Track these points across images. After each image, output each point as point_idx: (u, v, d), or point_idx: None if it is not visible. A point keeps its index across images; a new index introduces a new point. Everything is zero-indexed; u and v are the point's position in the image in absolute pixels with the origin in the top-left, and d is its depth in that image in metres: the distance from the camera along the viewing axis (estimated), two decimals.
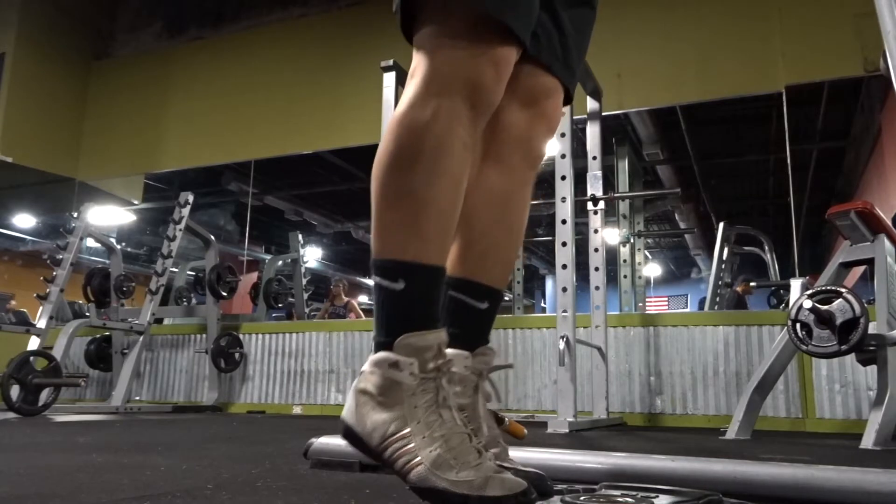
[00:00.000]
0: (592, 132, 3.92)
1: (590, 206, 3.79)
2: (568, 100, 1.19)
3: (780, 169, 4.68)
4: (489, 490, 0.85)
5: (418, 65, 0.98)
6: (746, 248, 6.40)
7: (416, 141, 0.94)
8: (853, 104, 5.99)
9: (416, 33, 1.00)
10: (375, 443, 0.92)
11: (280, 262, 6.41)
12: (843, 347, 2.47)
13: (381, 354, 0.92)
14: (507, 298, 9.80)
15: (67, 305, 6.66)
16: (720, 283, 5.81)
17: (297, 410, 4.90)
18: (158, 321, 5.22)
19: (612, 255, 5.56)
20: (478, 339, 1.10)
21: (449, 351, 1.01)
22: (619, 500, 0.93)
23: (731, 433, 2.83)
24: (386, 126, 1.01)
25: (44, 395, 3.80)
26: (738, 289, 6.15)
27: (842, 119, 6.30)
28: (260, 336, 5.19)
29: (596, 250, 3.80)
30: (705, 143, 6.74)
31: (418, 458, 0.88)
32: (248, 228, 6.81)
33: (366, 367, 0.94)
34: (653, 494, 0.96)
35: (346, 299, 7.55)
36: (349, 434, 0.95)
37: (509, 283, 7.85)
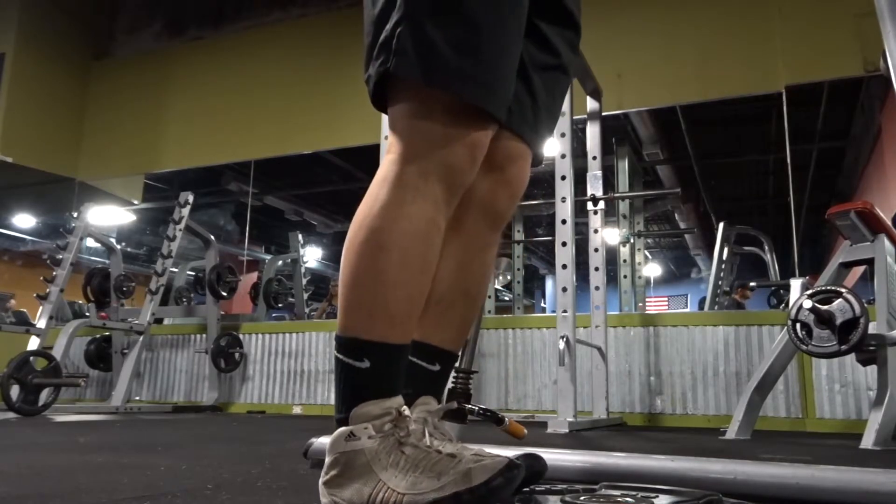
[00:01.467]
0: (592, 132, 3.92)
1: (590, 206, 3.79)
2: (535, 163, 1.17)
3: (780, 169, 4.68)
4: (475, 479, 0.85)
5: (393, 143, 0.97)
6: (746, 248, 6.40)
7: (388, 223, 0.94)
8: (853, 104, 5.99)
9: (390, 106, 0.99)
10: None
11: (280, 262, 6.41)
12: (843, 347, 2.47)
13: (336, 432, 0.92)
14: (506, 298, 9.78)
15: (67, 305, 6.67)
16: (718, 290, 5.81)
17: (297, 410, 4.90)
18: (158, 321, 5.22)
19: (612, 255, 5.56)
20: (430, 398, 1.09)
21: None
22: (619, 500, 0.93)
23: (731, 433, 2.83)
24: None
25: (44, 395, 3.80)
26: (736, 296, 6.15)
27: (842, 119, 6.30)
28: (260, 336, 5.19)
29: (596, 250, 3.80)
30: (705, 143, 6.73)
31: (398, 493, 0.88)
32: (248, 228, 6.81)
33: (326, 458, 0.94)
34: (653, 494, 0.96)
35: None
36: None
37: (509, 284, 7.85)
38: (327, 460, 0.94)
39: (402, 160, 0.96)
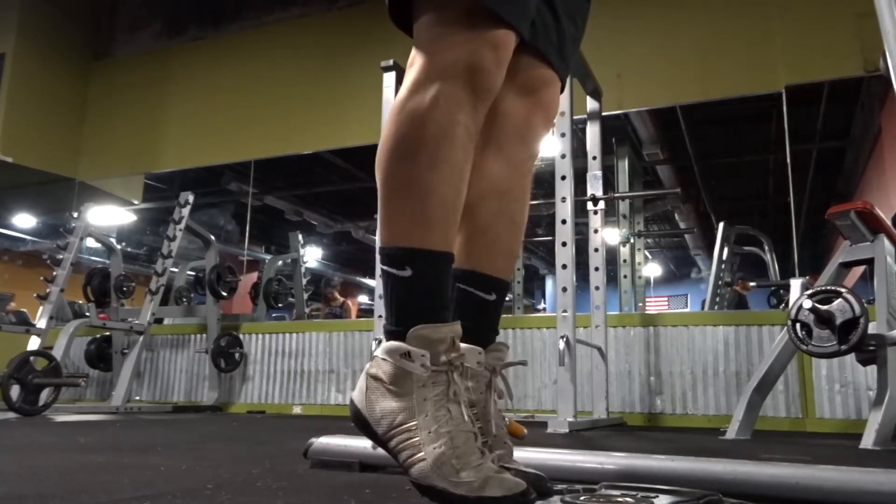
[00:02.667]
0: (592, 132, 3.92)
1: (590, 206, 3.79)
2: (561, 89, 1.20)
3: (780, 169, 4.67)
4: (488, 491, 0.85)
5: (416, 53, 0.98)
6: (746, 248, 6.40)
7: (417, 128, 0.94)
8: (853, 104, 5.99)
9: (413, 23, 1.00)
10: (382, 430, 0.92)
11: (280, 262, 6.41)
12: (843, 347, 2.47)
13: (394, 344, 0.92)
14: (507, 298, 9.86)
15: (67, 305, 6.66)
16: (720, 282, 5.81)
17: (297, 410, 4.90)
18: (158, 321, 5.22)
19: (612, 255, 5.56)
20: (488, 332, 1.10)
21: (462, 345, 1.01)
22: (619, 500, 0.93)
23: (731, 433, 2.83)
24: (387, 114, 1.01)
25: (44, 395, 3.80)
26: (737, 287, 6.16)
27: (842, 119, 6.30)
28: (260, 336, 5.19)
29: (596, 250, 3.80)
30: (705, 143, 6.73)
31: (422, 454, 0.88)
32: (248, 228, 6.80)
33: (378, 352, 0.94)
34: (653, 494, 0.96)
35: (340, 300, 7.55)
36: (358, 417, 0.95)
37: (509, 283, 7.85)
38: (379, 355, 0.94)
39: (426, 66, 0.96)
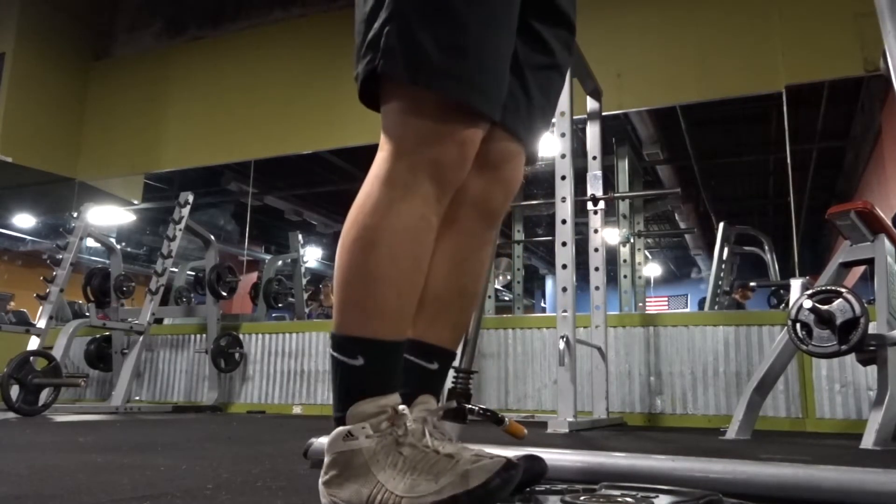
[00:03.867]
0: (592, 132, 3.92)
1: (590, 206, 3.79)
2: (529, 162, 1.17)
3: (780, 169, 4.68)
4: (472, 481, 0.85)
5: (385, 141, 0.98)
6: (746, 248, 6.40)
7: (378, 221, 0.94)
8: (853, 104, 5.99)
9: (381, 105, 1.00)
10: None
11: (280, 262, 6.41)
12: (843, 347, 2.47)
13: (334, 432, 0.93)
14: (506, 298, 9.78)
15: (67, 305, 6.66)
16: (718, 291, 5.81)
17: (297, 410, 4.90)
18: (158, 321, 5.22)
19: (612, 255, 5.56)
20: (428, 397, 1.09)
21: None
22: (619, 500, 0.93)
23: (731, 433, 2.83)
24: (352, 206, 1.00)
25: (44, 395, 3.80)
26: (736, 296, 6.15)
27: (842, 119, 6.29)
28: (260, 336, 5.19)
29: (596, 250, 3.80)
30: (705, 143, 6.73)
31: (396, 495, 0.88)
32: (248, 228, 6.80)
33: (325, 458, 0.94)
34: (653, 494, 0.96)
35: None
36: None
37: (509, 283, 7.85)
38: (326, 460, 0.94)
39: (393, 158, 0.96)
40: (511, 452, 1.10)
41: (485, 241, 1.15)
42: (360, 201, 0.97)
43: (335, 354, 0.95)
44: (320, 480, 0.94)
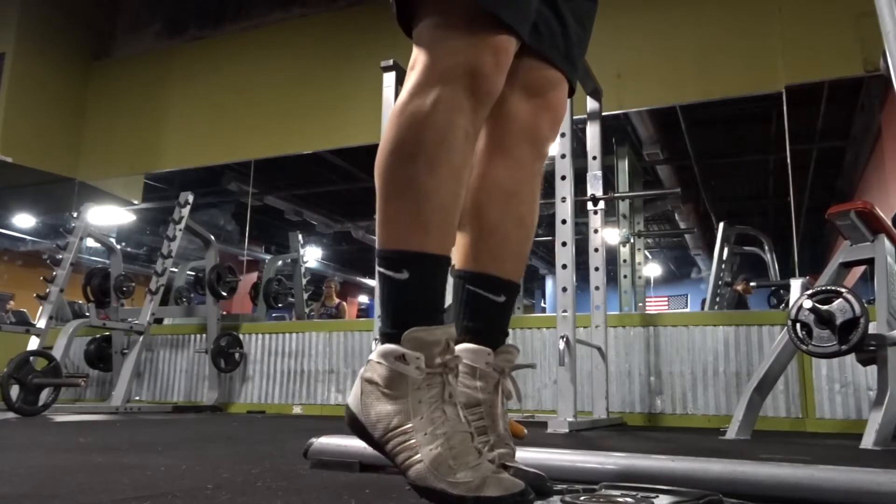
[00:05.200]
0: (592, 132, 3.92)
1: (590, 206, 3.79)
2: (570, 92, 1.19)
3: (780, 169, 4.67)
4: (486, 491, 0.85)
5: (417, 56, 0.99)
6: (746, 248, 6.40)
7: (416, 131, 0.95)
8: (853, 104, 5.99)
9: (414, 26, 1.01)
10: (378, 434, 0.92)
11: (280, 262, 6.41)
12: (843, 347, 2.47)
13: (388, 346, 0.93)
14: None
15: (67, 305, 6.66)
16: (720, 282, 5.81)
17: (297, 410, 4.90)
18: (158, 321, 5.22)
19: (612, 255, 5.56)
20: (497, 333, 1.10)
21: (472, 346, 1.03)
22: (619, 500, 0.93)
23: (731, 433, 2.83)
24: (388, 117, 1.01)
25: (44, 395, 3.80)
26: (738, 287, 6.15)
27: (842, 119, 6.30)
28: (260, 336, 5.19)
29: (596, 250, 3.80)
30: (705, 143, 6.73)
31: (418, 456, 0.88)
32: (248, 228, 6.80)
33: (373, 356, 0.95)
34: (653, 494, 0.96)
35: (336, 300, 7.55)
36: (353, 422, 0.95)
37: None
38: (374, 359, 0.94)
39: (426, 70, 0.97)
40: (518, 453, 1.10)
41: (535, 171, 1.16)
42: (395, 114, 0.97)
43: (381, 269, 0.95)
44: (361, 373, 0.96)
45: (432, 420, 0.90)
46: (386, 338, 0.94)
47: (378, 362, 0.93)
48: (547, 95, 1.14)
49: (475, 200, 1.02)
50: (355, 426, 0.95)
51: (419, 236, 0.94)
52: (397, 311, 0.94)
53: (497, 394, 1.06)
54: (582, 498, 0.94)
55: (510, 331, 4.05)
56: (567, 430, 2.91)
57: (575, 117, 3.51)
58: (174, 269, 5.72)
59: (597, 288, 3.78)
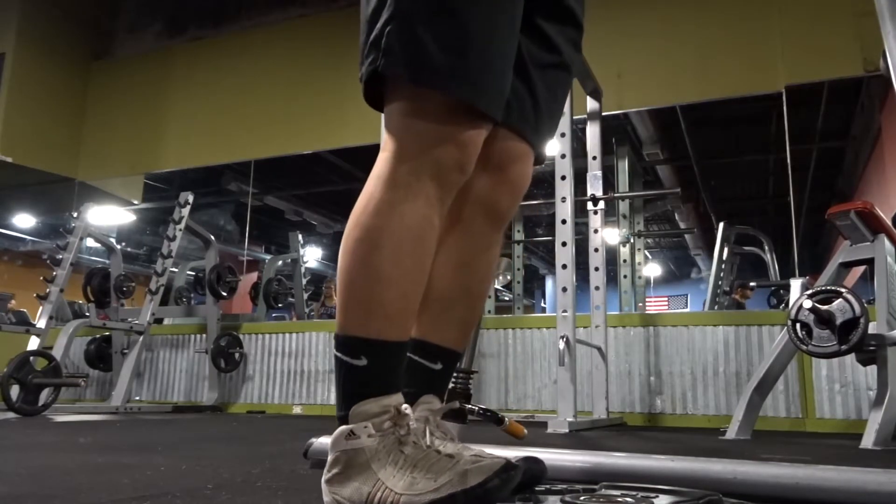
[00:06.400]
0: (592, 132, 3.92)
1: (590, 206, 3.79)
2: (538, 162, 1.16)
3: (780, 169, 4.67)
4: (471, 480, 0.85)
5: (386, 141, 0.98)
6: (746, 248, 6.40)
7: (381, 221, 0.95)
8: (853, 104, 5.99)
9: (385, 105, 1.00)
10: None
11: (280, 262, 6.41)
12: (843, 347, 2.47)
13: (337, 431, 0.93)
14: (506, 298, 9.80)
15: (67, 305, 6.66)
16: (718, 290, 5.81)
17: (297, 410, 4.90)
18: (158, 321, 5.21)
19: (612, 255, 5.56)
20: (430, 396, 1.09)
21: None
22: (619, 500, 0.93)
23: (731, 433, 2.83)
24: (354, 207, 1.00)
25: (44, 395, 3.80)
26: (736, 296, 6.15)
27: (842, 119, 6.30)
28: (260, 336, 5.19)
29: (596, 250, 3.80)
30: (705, 143, 6.74)
31: (395, 493, 0.88)
32: (248, 228, 6.81)
33: (329, 455, 0.94)
34: (653, 494, 0.96)
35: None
36: None
37: (509, 284, 7.85)
38: (329, 458, 0.94)
39: (395, 158, 0.96)
40: (511, 453, 1.10)
41: (491, 242, 1.14)
42: (362, 202, 0.97)
43: (338, 354, 0.95)
44: (323, 478, 0.95)
45: (395, 463, 0.90)
46: (339, 421, 0.94)
47: (332, 458, 0.93)
48: (508, 169, 1.11)
49: None
50: None
51: (379, 324, 0.94)
52: (353, 395, 0.93)
53: (431, 438, 1.02)
54: (582, 498, 0.95)
55: (510, 331, 4.04)
56: (567, 430, 2.91)
57: (575, 117, 3.50)
58: (174, 269, 5.72)
59: (597, 288, 3.78)
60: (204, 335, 5.17)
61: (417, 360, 1.08)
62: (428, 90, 0.94)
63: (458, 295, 1.11)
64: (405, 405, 0.94)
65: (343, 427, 0.93)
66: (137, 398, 5.36)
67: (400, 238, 0.94)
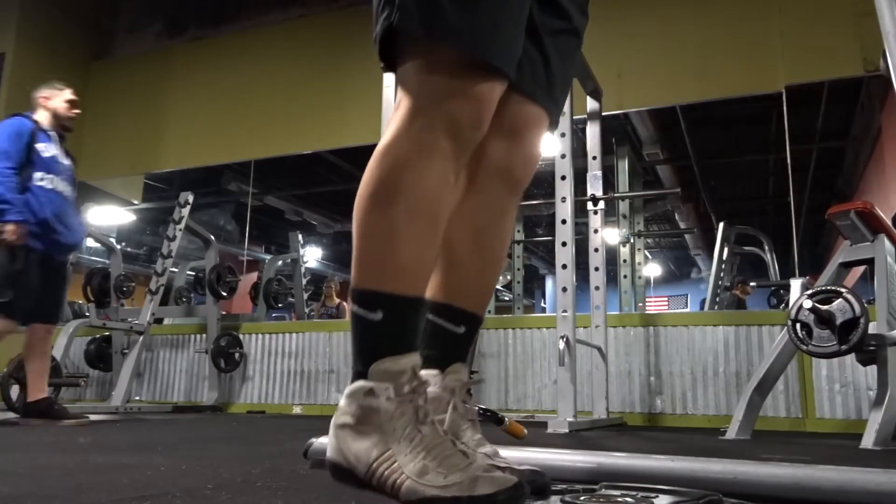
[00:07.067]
0: (592, 132, 3.92)
1: (590, 206, 3.79)
2: (552, 127, 1.19)
3: (780, 169, 4.68)
4: (479, 489, 0.85)
5: (401, 98, 0.98)
6: (746, 248, 6.40)
7: (397, 176, 0.95)
8: (853, 104, 5.99)
9: (398, 66, 1.00)
10: (362, 471, 0.91)
11: (280, 262, 6.41)
12: (843, 347, 2.47)
13: (356, 385, 0.93)
14: (506, 298, 9.80)
15: (67, 305, 6.66)
16: (719, 286, 5.81)
17: (297, 410, 4.90)
18: (158, 321, 5.22)
19: (612, 255, 5.57)
20: (453, 361, 1.10)
21: (422, 372, 1.01)
22: (619, 500, 0.93)
23: (731, 433, 2.83)
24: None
25: None
26: (736, 291, 6.16)
27: (842, 119, 6.30)
28: (260, 336, 5.19)
29: (596, 250, 3.80)
30: (705, 143, 6.74)
31: (404, 475, 0.88)
32: (248, 228, 6.81)
33: (342, 400, 0.95)
34: (653, 494, 0.96)
35: (337, 301, 7.56)
36: (336, 471, 0.94)
37: (509, 283, 7.85)
38: (343, 403, 0.94)
39: (410, 114, 0.96)
40: (512, 453, 1.10)
41: (507, 207, 1.17)
42: (377, 157, 0.98)
43: (355, 308, 0.95)
44: (333, 420, 0.95)
45: (410, 439, 0.90)
46: (356, 375, 0.94)
47: (347, 404, 0.94)
48: (523, 134, 1.14)
49: (446, 234, 1.02)
50: (339, 474, 0.94)
51: (394, 278, 0.94)
52: (368, 350, 0.94)
53: (454, 414, 1.06)
54: (582, 498, 0.95)
55: (510, 331, 4.04)
56: (567, 430, 2.91)
57: (575, 117, 3.50)
58: (174, 269, 5.72)
59: (597, 288, 3.78)
60: (204, 335, 5.17)
61: (441, 323, 1.10)
62: (442, 45, 0.95)
63: (479, 260, 1.14)
64: (424, 370, 0.95)
65: (363, 383, 0.92)
66: (137, 398, 5.36)
67: (415, 193, 0.95)
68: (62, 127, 3.60)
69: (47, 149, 3.43)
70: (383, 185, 0.96)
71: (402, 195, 0.94)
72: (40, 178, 3.33)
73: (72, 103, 3.60)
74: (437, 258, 1.00)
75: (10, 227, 3.13)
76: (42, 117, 3.54)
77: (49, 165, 3.39)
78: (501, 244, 1.18)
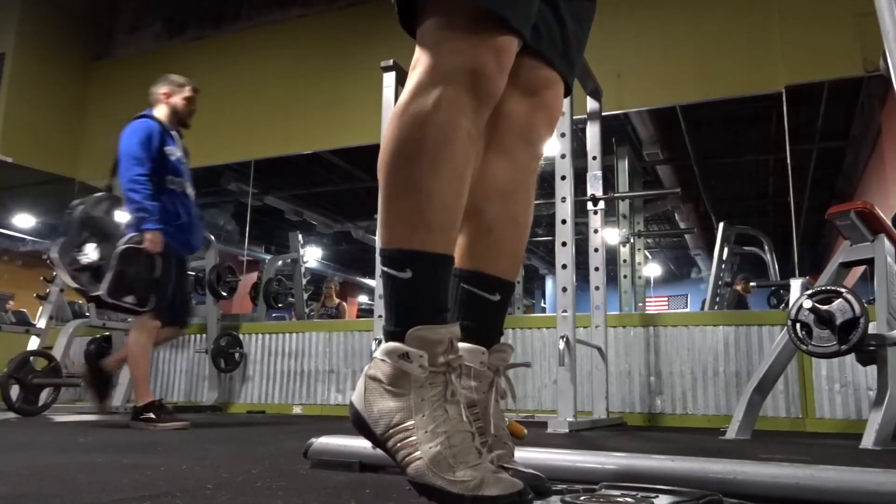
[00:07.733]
0: (592, 132, 3.92)
1: (590, 206, 3.79)
2: (567, 92, 1.20)
3: (780, 169, 4.68)
4: (485, 490, 0.86)
5: (420, 56, 0.99)
6: (746, 248, 6.40)
7: (418, 132, 0.95)
8: (853, 104, 5.99)
9: (417, 27, 1.01)
10: (380, 430, 0.93)
11: (280, 262, 6.41)
12: (843, 347, 2.47)
13: (393, 345, 0.93)
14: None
15: (67, 305, 6.66)
16: (720, 282, 5.81)
17: (297, 410, 4.90)
18: None
19: (612, 255, 5.56)
20: (492, 332, 1.11)
21: (467, 346, 1.02)
22: (619, 500, 0.93)
23: (731, 433, 2.83)
24: (388, 117, 1.01)
25: (44, 395, 3.80)
26: (738, 287, 6.15)
27: (842, 119, 6.30)
28: (260, 336, 5.19)
29: (596, 250, 3.80)
30: (705, 143, 6.73)
31: (418, 453, 0.89)
32: (248, 228, 6.80)
33: (377, 353, 0.95)
34: (653, 494, 0.96)
35: (337, 301, 7.56)
36: (357, 418, 0.96)
37: None
38: (378, 356, 0.95)
39: (429, 70, 0.97)
40: (517, 453, 1.10)
41: (530, 170, 1.18)
42: (396, 116, 0.98)
43: (385, 269, 0.96)
44: (365, 371, 0.96)
45: (434, 418, 0.91)
46: (390, 336, 0.95)
47: (382, 360, 0.94)
48: (543, 94, 1.15)
49: (471, 199, 1.03)
50: (358, 423, 0.96)
51: (422, 235, 0.94)
52: (401, 310, 0.94)
53: (491, 393, 1.07)
54: (582, 498, 0.95)
55: (510, 331, 4.03)
56: (567, 430, 2.91)
57: (575, 117, 3.50)
58: None
59: (597, 288, 3.78)
60: (204, 335, 5.17)
61: (475, 291, 1.10)
62: (458, 1, 0.97)
63: (508, 225, 1.15)
64: (461, 343, 0.96)
65: (399, 345, 0.92)
66: None
67: (436, 148, 0.95)
68: (181, 123, 3.59)
69: (173, 151, 3.43)
70: (406, 142, 0.96)
71: (426, 151, 0.95)
72: (170, 182, 3.34)
73: (189, 101, 3.57)
74: (461, 216, 1.00)
75: (149, 237, 3.12)
76: (161, 113, 3.52)
77: (176, 168, 3.40)
78: (528, 207, 1.19)
